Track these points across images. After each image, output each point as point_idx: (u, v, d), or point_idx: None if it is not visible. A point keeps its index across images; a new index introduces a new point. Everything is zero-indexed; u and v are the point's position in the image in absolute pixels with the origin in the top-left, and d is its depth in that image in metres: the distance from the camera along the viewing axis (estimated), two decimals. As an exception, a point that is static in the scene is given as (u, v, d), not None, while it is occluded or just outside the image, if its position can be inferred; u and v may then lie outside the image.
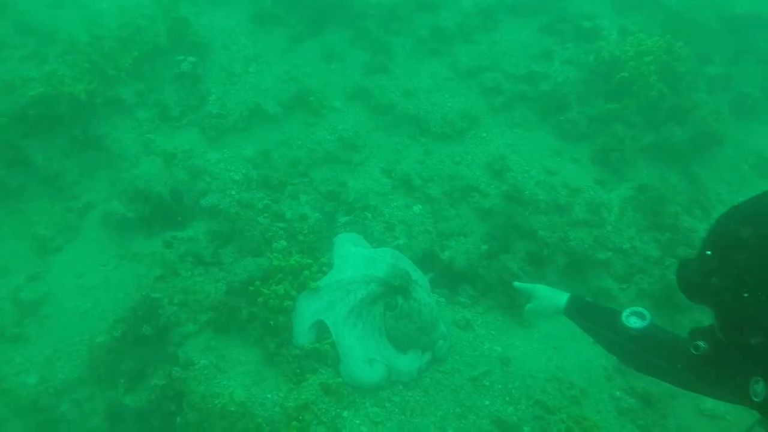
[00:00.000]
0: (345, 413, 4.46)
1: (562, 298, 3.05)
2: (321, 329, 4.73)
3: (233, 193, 5.57)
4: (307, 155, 6.01)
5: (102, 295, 5.30)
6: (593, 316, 2.85)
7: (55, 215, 5.70)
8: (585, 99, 6.20)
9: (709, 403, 4.97)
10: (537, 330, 5.33)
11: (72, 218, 5.69)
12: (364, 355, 4.66)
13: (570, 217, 5.60)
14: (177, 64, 6.08)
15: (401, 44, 6.85)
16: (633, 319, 2.56)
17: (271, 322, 4.72)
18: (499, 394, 4.76)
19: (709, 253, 1.88)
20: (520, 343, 5.20)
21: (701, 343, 1.97)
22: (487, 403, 4.69)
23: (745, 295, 1.75)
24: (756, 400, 1.76)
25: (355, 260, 5.04)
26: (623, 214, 5.67)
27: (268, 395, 4.53)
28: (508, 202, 5.60)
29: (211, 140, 5.95)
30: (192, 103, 6.06)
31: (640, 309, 2.59)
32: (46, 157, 5.76)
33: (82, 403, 5.02)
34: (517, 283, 3.47)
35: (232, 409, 4.36)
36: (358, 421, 4.44)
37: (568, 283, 5.55)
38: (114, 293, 5.28)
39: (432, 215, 5.74)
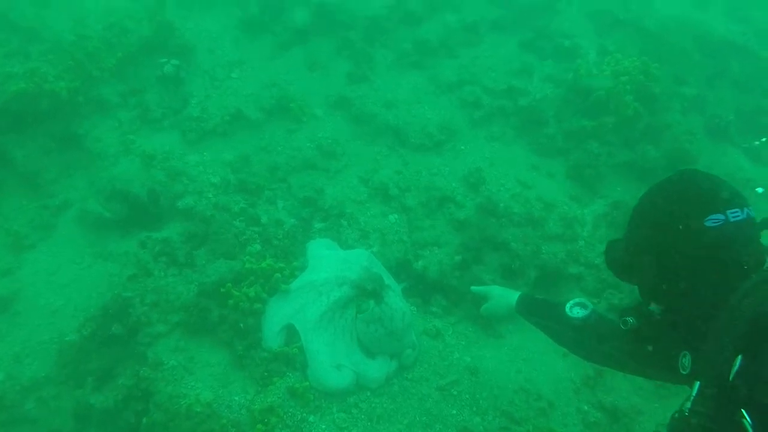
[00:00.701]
0: (311, 417, 4.47)
1: (513, 296, 3.21)
2: (291, 332, 4.75)
3: (210, 195, 5.60)
4: (286, 161, 6.06)
5: (74, 293, 5.28)
6: (541, 311, 3.02)
7: (31, 212, 5.69)
8: (562, 116, 6.31)
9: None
10: (507, 342, 5.37)
11: (48, 216, 5.68)
12: (332, 359, 4.67)
13: (543, 230, 5.67)
14: (160, 67, 6.13)
15: (384, 56, 6.95)
16: (576, 310, 2.69)
17: (241, 325, 4.73)
18: (466, 404, 4.79)
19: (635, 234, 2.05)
20: (490, 354, 5.24)
21: (629, 319, 2.08)
22: (454, 412, 4.71)
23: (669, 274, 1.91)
24: (683, 372, 1.86)
25: (329, 262, 5.07)
26: (596, 229, 5.76)
27: (235, 397, 4.54)
28: (483, 214, 5.66)
29: (190, 143, 5.98)
30: (174, 106, 6.10)
31: (583, 300, 2.73)
32: (25, 153, 5.77)
33: (48, 401, 4.98)
34: (473, 287, 3.60)
35: (198, 410, 4.36)
36: (323, 426, 4.45)
37: (539, 295, 5.61)
38: (86, 292, 5.26)
39: (407, 225, 5.80)
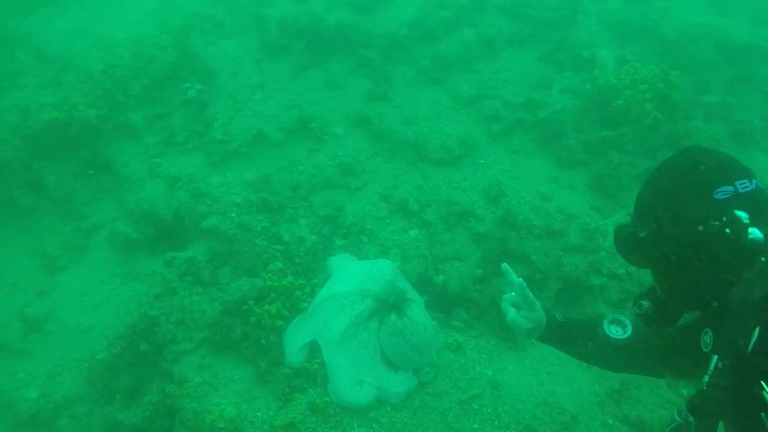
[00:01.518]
0: (332, 433, 4.51)
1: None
2: (313, 348, 4.80)
3: (233, 215, 5.73)
4: (307, 180, 6.17)
5: (104, 312, 5.46)
6: (572, 337, 2.55)
7: (64, 235, 5.93)
8: (582, 126, 6.28)
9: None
10: (529, 355, 5.33)
11: (80, 238, 5.91)
12: (354, 374, 4.71)
13: (564, 242, 5.63)
14: (184, 91, 6.34)
15: (402, 73, 7.04)
16: (614, 329, 2.41)
17: (263, 341, 4.82)
18: (488, 417, 4.77)
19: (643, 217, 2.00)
20: (511, 367, 5.21)
21: (645, 302, 2.03)
22: (475, 426, 4.69)
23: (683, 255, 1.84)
24: (706, 350, 1.83)
25: (353, 272, 5.12)
26: (618, 240, 5.68)
27: (258, 413, 4.60)
28: (503, 227, 5.66)
29: (214, 165, 6.15)
30: (198, 129, 6.29)
31: (617, 316, 2.46)
32: (57, 179, 6.02)
33: (80, 418, 5.14)
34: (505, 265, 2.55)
35: (222, 425, 4.44)
36: (344, 442, 4.48)
37: (562, 308, 5.56)
38: (115, 311, 5.44)
39: (428, 239, 5.83)
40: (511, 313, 2.44)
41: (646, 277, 5.56)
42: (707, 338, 1.84)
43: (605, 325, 2.42)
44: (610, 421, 4.91)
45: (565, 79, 6.74)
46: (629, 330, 2.39)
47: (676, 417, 2.22)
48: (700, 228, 1.79)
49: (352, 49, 7.09)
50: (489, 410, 4.80)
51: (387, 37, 7.00)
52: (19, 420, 5.11)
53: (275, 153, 6.39)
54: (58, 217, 6.00)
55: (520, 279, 2.41)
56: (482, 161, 6.38)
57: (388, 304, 4.82)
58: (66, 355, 5.32)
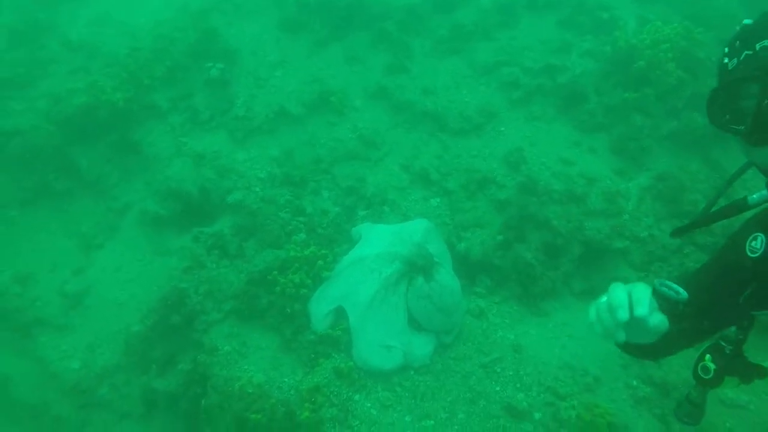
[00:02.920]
0: (356, 396, 4.63)
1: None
2: (339, 314, 4.90)
3: (257, 190, 5.88)
4: (329, 153, 6.26)
5: (137, 287, 5.71)
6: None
7: (97, 215, 6.19)
8: (603, 90, 6.18)
9: (729, 392, 4.86)
10: (552, 319, 5.36)
11: (112, 217, 6.16)
12: (381, 339, 4.80)
13: (586, 206, 5.59)
14: (206, 71, 6.48)
15: (421, 44, 7.03)
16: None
17: (288, 310, 4.97)
18: (510, 380, 4.82)
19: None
20: (534, 331, 5.24)
21: (710, 365, 1.89)
22: (497, 388, 4.75)
23: None
24: (753, 255, 1.66)
25: (382, 236, 5.21)
26: (641, 203, 5.63)
27: (285, 379, 4.76)
28: (523, 193, 5.65)
29: (237, 141, 6.29)
30: (221, 107, 6.43)
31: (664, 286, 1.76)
32: (89, 161, 6.26)
33: (119, 387, 5.43)
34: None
35: (250, 390, 4.62)
36: (368, 404, 4.60)
37: (584, 272, 5.55)
38: (148, 285, 5.68)
39: (449, 207, 5.87)
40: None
41: (669, 240, 5.51)
42: (756, 243, 1.66)
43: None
44: (634, 382, 4.90)
45: (585, 43, 6.63)
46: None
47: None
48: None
49: (369, 23, 7.11)
50: (511, 373, 4.86)
51: (404, 8, 6.99)
52: (64, 389, 5.42)
53: (297, 128, 6.49)
54: (91, 198, 6.26)
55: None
56: (502, 129, 6.35)
57: (416, 267, 4.89)
58: (104, 328, 5.60)
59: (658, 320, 1.60)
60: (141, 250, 5.94)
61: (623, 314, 1.52)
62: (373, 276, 4.84)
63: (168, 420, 5.31)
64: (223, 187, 5.88)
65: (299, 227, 5.57)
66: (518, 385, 4.78)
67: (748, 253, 1.67)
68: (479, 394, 4.69)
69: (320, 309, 4.97)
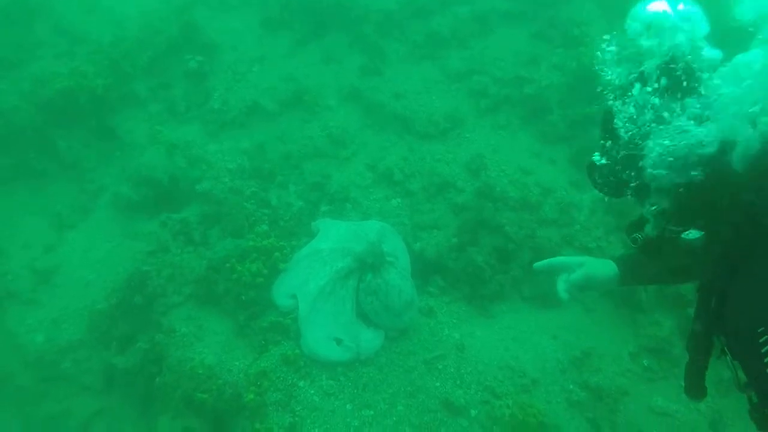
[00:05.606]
0: (301, 383, 4.85)
1: (608, 264, 2.47)
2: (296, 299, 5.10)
3: (226, 180, 6.09)
4: (299, 149, 6.48)
5: (104, 267, 5.92)
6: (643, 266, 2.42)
7: (72, 196, 6.40)
8: (566, 103, 6.40)
9: (660, 400, 5.09)
10: (498, 321, 5.57)
11: (86, 199, 6.38)
12: (329, 331, 5.02)
13: (539, 215, 5.82)
14: (185, 63, 6.69)
15: (396, 49, 7.24)
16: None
17: (243, 297, 5.18)
18: (450, 377, 5.03)
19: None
20: (479, 332, 5.45)
21: (638, 235, 1.93)
22: (437, 384, 4.96)
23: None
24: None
25: (339, 232, 5.43)
26: (593, 214, 5.85)
27: (236, 362, 4.98)
28: (480, 198, 5.87)
29: (211, 133, 6.51)
30: (197, 99, 6.65)
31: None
32: (67, 144, 6.48)
33: (81, 362, 5.63)
34: (536, 264, 2.61)
35: (201, 371, 4.84)
36: (312, 391, 4.82)
37: (533, 277, 5.76)
38: (114, 267, 5.88)
39: (409, 208, 6.08)
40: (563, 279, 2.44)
41: (616, 251, 5.72)
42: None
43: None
44: (570, 386, 5.12)
45: (555, 56, 6.84)
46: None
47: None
48: None
49: (348, 25, 7.31)
50: (452, 370, 5.07)
51: (382, 12, 7.19)
52: (28, 361, 5.63)
53: (270, 123, 6.71)
54: (67, 179, 6.47)
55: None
56: (468, 135, 6.57)
57: (367, 264, 5.10)
58: (70, 305, 5.80)
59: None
60: (111, 233, 6.15)
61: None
62: (325, 269, 5.06)
63: (125, 395, 5.52)
64: (193, 176, 6.10)
65: (263, 218, 5.78)
66: (458, 383, 4.99)
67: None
68: (419, 388, 4.89)
69: (281, 293, 5.19)
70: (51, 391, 5.58)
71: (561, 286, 2.46)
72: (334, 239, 5.36)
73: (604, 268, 2.44)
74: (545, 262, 2.56)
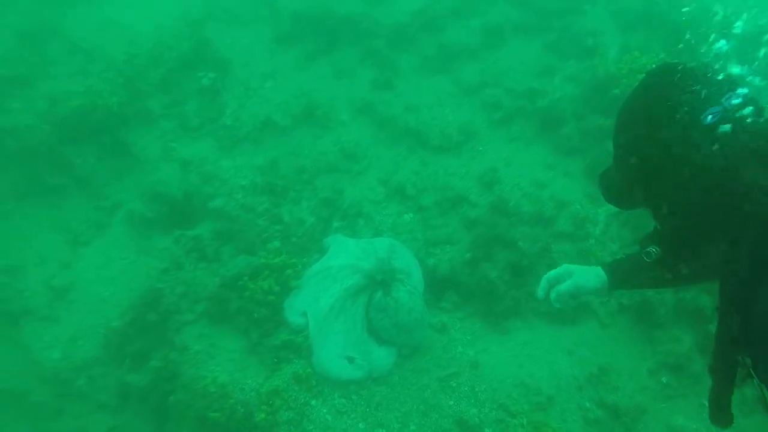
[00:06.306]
0: (313, 401, 4.83)
1: (596, 270, 2.49)
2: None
3: (239, 197, 6.11)
4: (312, 164, 6.47)
5: (119, 284, 5.97)
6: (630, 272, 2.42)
7: (87, 213, 6.46)
8: (581, 115, 6.33)
9: (680, 419, 4.98)
10: (513, 338, 5.49)
11: (101, 216, 6.43)
12: (341, 349, 5.00)
13: (554, 229, 5.74)
14: (198, 80, 6.74)
15: (408, 61, 7.22)
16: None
17: (255, 315, 5.18)
18: (464, 395, 4.97)
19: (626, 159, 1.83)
20: (494, 348, 5.39)
21: (653, 249, 1.86)
22: (451, 403, 4.91)
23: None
24: None
25: (348, 249, 5.41)
26: (608, 228, 5.76)
27: (248, 381, 4.96)
28: (494, 213, 5.81)
29: (224, 149, 6.54)
30: (210, 115, 6.69)
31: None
32: (83, 161, 6.55)
33: (96, 379, 5.68)
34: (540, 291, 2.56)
35: (213, 390, 4.84)
36: (324, 410, 4.79)
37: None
38: (129, 283, 5.92)
39: (422, 223, 6.04)
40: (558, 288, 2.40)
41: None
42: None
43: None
44: (587, 404, 5.04)
45: (568, 68, 6.77)
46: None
47: None
48: (692, 160, 1.59)
49: (360, 39, 7.32)
50: (466, 388, 5.02)
51: (393, 26, 7.19)
52: (44, 377, 5.69)
53: (283, 138, 6.72)
54: (82, 196, 6.54)
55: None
56: (481, 148, 6.53)
57: (376, 281, 5.08)
58: (85, 322, 5.85)
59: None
60: (125, 249, 6.20)
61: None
62: (335, 286, 5.05)
63: (139, 412, 5.54)
64: (206, 192, 6.12)
65: (275, 235, 5.79)
66: (472, 401, 4.94)
67: None
68: (433, 407, 4.85)
69: (294, 309, 5.18)
70: (67, 408, 5.62)
71: (552, 295, 2.45)
72: (343, 256, 5.34)
73: (593, 276, 2.45)
74: (540, 287, 2.52)
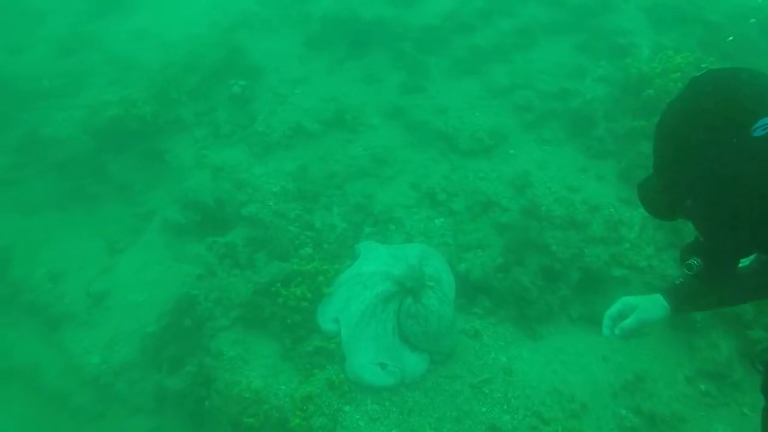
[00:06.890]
0: (346, 407, 4.85)
1: (656, 298, 2.54)
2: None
3: (271, 203, 6.17)
4: (343, 169, 6.51)
5: (155, 290, 6.07)
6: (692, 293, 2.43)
7: (124, 219, 6.61)
8: (613, 116, 6.23)
9: (720, 429, 4.87)
10: (546, 343, 5.44)
11: (137, 222, 6.57)
12: (373, 356, 5.02)
13: (587, 233, 5.66)
14: (230, 87, 6.83)
15: (437, 64, 7.20)
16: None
17: (288, 321, 5.23)
18: (497, 402, 4.95)
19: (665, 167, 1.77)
20: (527, 354, 5.34)
21: (694, 261, 1.82)
22: (484, 409, 4.89)
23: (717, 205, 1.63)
24: None
25: (379, 255, 5.43)
26: (643, 232, 5.66)
27: (282, 386, 5.02)
28: (525, 217, 5.76)
29: (256, 156, 6.61)
30: (242, 122, 6.77)
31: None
32: (118, 168, 6.70)
33: (134, 383, 5.80)
34: (605, 329, 2.61)
35: (247, 395, 4.91)
36: (357, 416, 4.82)
37: (582, 298, 5.62)
38: (164, 289, 6.02)
39: (453, 228, 6.02)
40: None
41: (668, 270, 5.52)
42: None
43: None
44: (623, 411, 4.95)
45: (600, 68, 6.67)
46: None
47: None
48: (736, 173, 1.52)
49: (389, 43, 7.33)
50: (499, 395, 4.99)
51: (423, 29, 7.18)
52: (84, 381, 5.83)
53: (313, 144, 6.77)
54: (118, 203, 6.69)
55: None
56: (512, 151, 6.47)
57: (405, 288, 5.09)
58: (123, 327, 5.97)
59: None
60: (161, 255, 6.31)
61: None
62: (366, 293, 5.07)
63: (176, 416, 5.64)
64: (239, 199, 6.20)
65: (307, 241, 5.84)
66: (505, 407, 4.91)
67: None
68: (466, 413, 4.83)
69: (326, 316, 5.23)
70: (107, 412, 5.75)
71: (617, 332, 2.54)
72: (374, 263, 5.36)
73: (656, 307, 2.48)
74: (604, 326, 2.61)
